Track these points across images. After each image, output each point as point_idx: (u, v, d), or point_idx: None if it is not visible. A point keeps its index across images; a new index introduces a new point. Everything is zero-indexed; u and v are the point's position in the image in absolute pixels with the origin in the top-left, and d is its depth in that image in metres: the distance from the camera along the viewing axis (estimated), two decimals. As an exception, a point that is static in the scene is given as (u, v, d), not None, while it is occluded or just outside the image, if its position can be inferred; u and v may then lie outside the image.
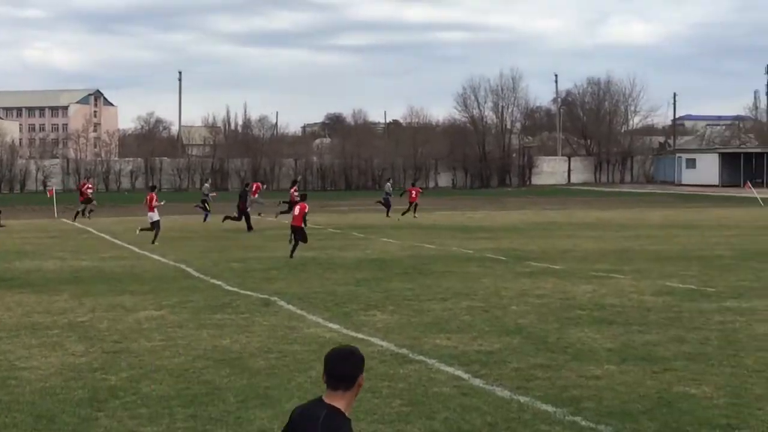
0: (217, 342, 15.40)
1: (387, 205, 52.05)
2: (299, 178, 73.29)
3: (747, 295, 20.29)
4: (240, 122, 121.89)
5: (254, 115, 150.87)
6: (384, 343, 15.12)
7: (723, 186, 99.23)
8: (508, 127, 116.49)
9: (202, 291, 21.51)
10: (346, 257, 29.09)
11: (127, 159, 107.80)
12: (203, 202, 49.75)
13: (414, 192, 51.48)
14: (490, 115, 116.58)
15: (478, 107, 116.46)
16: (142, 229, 36.57)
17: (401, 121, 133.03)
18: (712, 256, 28.95)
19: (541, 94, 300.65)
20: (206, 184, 53.48)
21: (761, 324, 16.71)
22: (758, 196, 68.54)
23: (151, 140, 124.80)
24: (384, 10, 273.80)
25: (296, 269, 25.85)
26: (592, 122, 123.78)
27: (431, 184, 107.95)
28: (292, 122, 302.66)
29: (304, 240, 29.48)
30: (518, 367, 13.38)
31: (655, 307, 18.80)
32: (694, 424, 10.47)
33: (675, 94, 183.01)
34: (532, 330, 16.31)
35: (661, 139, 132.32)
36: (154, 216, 35.27)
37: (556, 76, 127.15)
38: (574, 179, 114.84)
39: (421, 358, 14.02)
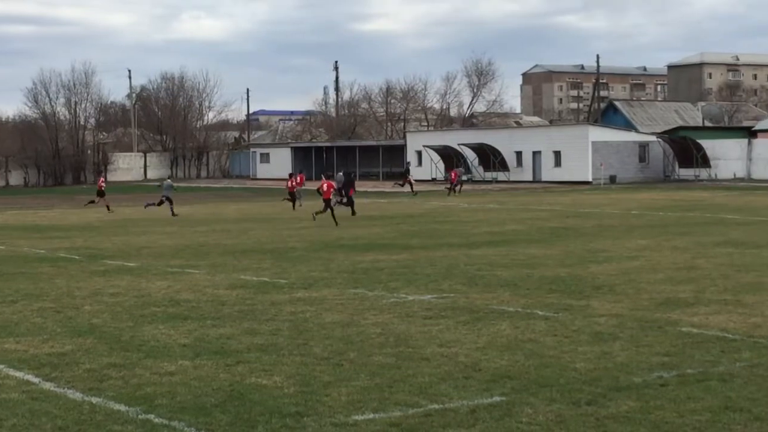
0: None
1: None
2: (408, 162, 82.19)
3: (317, 285, 21.01)
4: None
5: None
6: (-52, 351, 14.41)
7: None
8: (82, 123, 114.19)
9: None
10: None
11: None
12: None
13: (453, 174, 65.05)
14: (62, 111, 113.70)
15: (50, 103, 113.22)
16: None
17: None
18: (285, 248, 29.74)
19: (115, 90, 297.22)
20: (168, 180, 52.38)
21: (329, 313, 17.35)
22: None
23: None
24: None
25: None
26: (167, 118, 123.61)
27: (1, 183, 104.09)
28: None
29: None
30: (91, 367, 13.17)
31: (229, 300, 19.08)
32: (265, 414, 10.71)
33: (248, 90, 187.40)
34: (105, 329, 16.11)
35: (236, 134, 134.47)
36: None
37: (129, 71, 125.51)
38: (150, 175, 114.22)
39: (-11, 364, 13.49)
